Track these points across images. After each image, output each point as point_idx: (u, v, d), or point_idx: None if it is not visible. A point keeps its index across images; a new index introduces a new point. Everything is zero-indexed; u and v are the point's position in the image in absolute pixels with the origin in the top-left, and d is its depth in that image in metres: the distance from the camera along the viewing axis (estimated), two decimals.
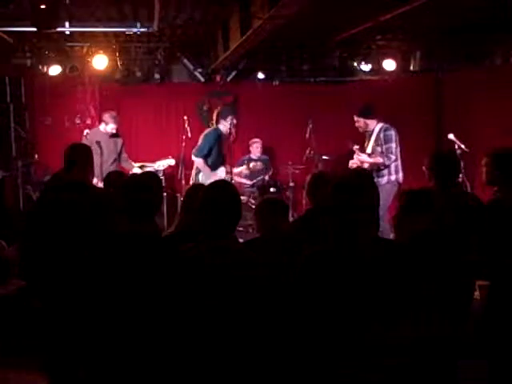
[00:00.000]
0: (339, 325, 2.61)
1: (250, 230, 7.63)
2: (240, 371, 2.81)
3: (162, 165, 8.45)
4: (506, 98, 8.54)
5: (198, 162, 8.10)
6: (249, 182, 8.99)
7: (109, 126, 7.92)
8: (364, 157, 7.27)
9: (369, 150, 7.34)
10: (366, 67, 9.52)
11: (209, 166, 8.11)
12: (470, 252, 3.80)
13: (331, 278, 2.64)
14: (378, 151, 7.22)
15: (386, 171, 7.21)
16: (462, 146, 7.92)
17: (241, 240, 5.07)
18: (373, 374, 2.59)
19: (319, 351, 2.65)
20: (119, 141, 8.08)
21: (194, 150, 8.23)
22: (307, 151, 9.15)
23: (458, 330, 3.61)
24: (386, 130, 7.30)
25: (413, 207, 3.57)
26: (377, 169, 7.22)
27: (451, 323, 3.03)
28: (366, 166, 7.24)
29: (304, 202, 4.36)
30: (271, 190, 8.79)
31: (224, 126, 8.22)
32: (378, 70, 9.59)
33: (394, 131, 7.31)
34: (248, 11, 6.12)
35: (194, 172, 8.33)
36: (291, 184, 9.10)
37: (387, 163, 7.18)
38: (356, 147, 7.54)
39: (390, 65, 9.33)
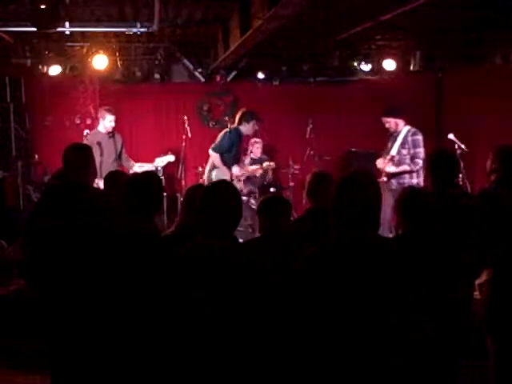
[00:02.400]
0: (340, 324, 2.61)
1: (250, 230, 7.63)
2: (239, 372, 2.81)
3: (161, 161, 8.33)
4: (506, 98, 8.55)
5: (215, 156, 7.92)
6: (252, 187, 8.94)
7: (107, 120, 7.63)
8: (392, 169, 7.13)
9: (393, 152, 7.23)
10: (366, 67, 9.53)
11: (224, 161, 8.02)
12: (469, 252, 3.81)
13: (332, 276, 2.64)
14: (403, 154, 7.13)
15: (408, 174, 7.11)
16: (462, 146, 7.92)
17: (241, 240, 5.08)
18: (373, 374, 2.59)
19: (320, 351, 2.65)
20: (119, 140, 7.95)
21: (213, 145, 8.03)
22: (307, 151, 9.16)
23: (457, 330, 3.62)
24: (414, 135, 7.19)
25: (411, 207, 3.57)
26: (399, 172, 7.15)
27: (451, 323, 3.04)
28: (387, 169, 7.18)
29: (304, 201, 4.34)
30: (271, 189, 8.79)
31: (246, 129, 8.06)
32: (378, 69, 9.60)
33: (422, 136, 7.24)
34: (248, 11, 6.12)
35: (207, 168, 8.13)
36: (291, 184, 9.11)
37: (414, 169, 7.09)
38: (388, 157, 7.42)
39: (390, 65, 9.34)
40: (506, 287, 3.84)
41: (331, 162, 9.35)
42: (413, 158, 7.11)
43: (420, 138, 7.16)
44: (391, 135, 7.39)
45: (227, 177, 7.62)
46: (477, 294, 4.25)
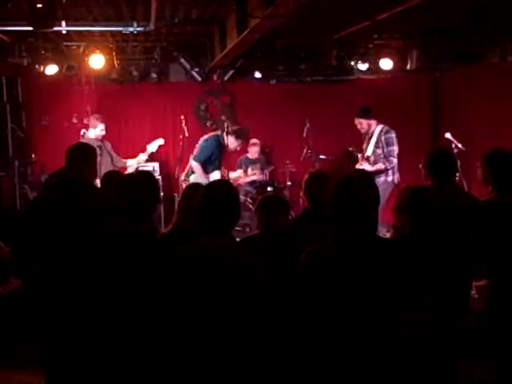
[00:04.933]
0: (338, 324, 2.61)
1: (248, 230, 7.64)
2: (237, 372, 2.81)
3: (152, 147, 8.30)
4: (502, 96, 8.55)
5: (196, 166, 8.02)
6: (247, 183, 9.02)
7: (98, 128, 7.83)
8: (365, 166, 7.20)
9: (368, 152, 7.28)
10: (362, 66, 9.53)
11: (204, 169, 8.09)
12: (467, 251, 3.81)
13: (330, 277, 2.64)
14: (378, 153, 7.19)
15: (384, 173, 7.18)
16: (459, 145, 7.92)
17: (238, 239, 5.08)
18: (372, 373, 2.60)
19: (319, 350, 2.65)
20: (108, 145, 8.05)
21: (193, 155, 8.11)
22: (304, 150, 9.16)
23: (455, 329, 3.62)
24: (386, 133, 7.25)
25: (411, 206, 3.56)
26: (375, 171, 7.19)
27: (449, 322, 3.03)
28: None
29: (301, 201, 4.35)
30: (268, 189, 8.81)
31: (230, 142, 8.01)
32: (374, 69, 9.60)
33: (395, 133, 7.28)
34: (245, 10, 6.12)
35: (186, 171, 8.20)
36: (288, 183, 9.12)
37: (389, 167, 7.16)
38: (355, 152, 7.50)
39: (386, 64, 9.34)
40: (504, 299, 3.86)
41: (328, 161, 9.35)
42: (386, 156, 7.16)
43: (393, 135, 7.24)
44: (365, 136, 7.46)
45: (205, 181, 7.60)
46: (473, 293, 4.27)
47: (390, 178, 7.18)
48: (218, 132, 8.16)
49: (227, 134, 7.97)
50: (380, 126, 7.36)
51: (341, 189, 2.77)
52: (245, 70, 9.88)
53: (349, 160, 9.87)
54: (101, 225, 3.58)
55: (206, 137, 8.22)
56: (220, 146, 8.07)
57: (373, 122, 7.40)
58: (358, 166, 7.30)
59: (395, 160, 7.20)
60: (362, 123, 7.45)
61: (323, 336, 2.64)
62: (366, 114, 7.45)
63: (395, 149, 7.20)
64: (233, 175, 8.82)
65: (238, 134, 8.04)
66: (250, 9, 5.92)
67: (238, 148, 8.27)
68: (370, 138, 7.39)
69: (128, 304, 3.14)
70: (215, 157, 8.07)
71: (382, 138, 7.24)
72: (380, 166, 7.16)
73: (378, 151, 7.21)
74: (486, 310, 4.07)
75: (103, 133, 7.93)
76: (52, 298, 4.01)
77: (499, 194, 4.06)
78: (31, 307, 4.32)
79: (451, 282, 3.34)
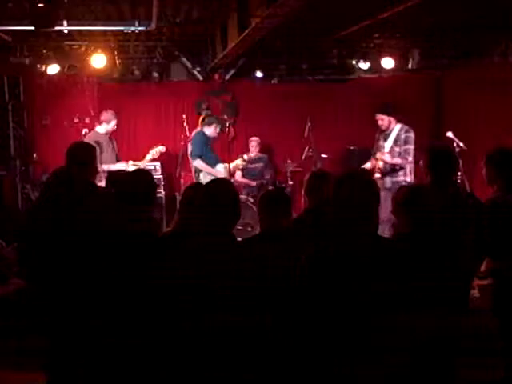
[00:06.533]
0: (340, 322, 2.62)
1: (249, 229, 7.63)
2: (240, 370, 2.81)
3: (152, 153, 8.31)
4: (504, 95, 8.55)
5: (197, 162, 8.09)
6: (250, 182, 9.04)
7: (111, 124, 7.76)
8: (387, 157, 7.24)
9: (386, 149, 7.31)
10: (364, 65, 9.53)
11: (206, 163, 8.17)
12: (467, 251, 3.81)
13: (332, 276, 2.64)
14: (396, 151, 7.22)
15: (402, 172, 7.20)
16: (461, 144, 7.92)
17: (239, 239, 5.06)
18: (373, 372, 2.60)
19: (320, 349, 2.66)
20: (115, 143, 8.03)
21: (189, 157, 8.25)
22: (306, 149, 9.16)
23: (455, 328, 3.62)
24: (406, 132, 7.30)
25: (410, 204, 3.56)
26: (391, 169, 7.22)
27: (449, 321, 3.03)
28: (380, 164, 7.25)
29: (302, 200, 4.33)
30: (269, 188, 8.81)
31: (209, 131, 8.26)
32: (376, 68, 9.61)
33: (414, 134, 7.32)
34: (246, 9, 6.13)
35: (193, 174, 8.33)
36: (290, 182, 9.12)
37: (404, 164, 7.20)
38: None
39: (388, 63, 9.34)
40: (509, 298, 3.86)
41: (330, 160, 9.35)
42: (402, 154, 7.20)
43: (412, 135, 7.27)
44: (381, 133, 7.47)
45: (212, 176, 7.66)
46: (475, 292, 4.26)
47: (408, 179, 7.21)
48: (200, 130, 8.34)
49: (206, 125, 8.27)
50: (400, 125, 7.40)
51: (341, 188, 2.78)
52: (246, 69, 9.89)
53: (350, 158, 9.91)
54: (100, 224, 3.59)
55: (192, 134, 8.44)
56: (208, 140, 8.24)
57: (393, 119, 7.43)
58: (379, 157, 7.31)
59: (410, 158, 7.22)
60: (383, 119, 7.46)
61: (324, 334, 2.64)
62: (388, 111, 7.48)
63: (412, 148, 7.23)
64: (233, 164, 8.82)
65: (206, 123, 8.34)
66: (251, 8, 5.92)
67: (218, 130, 8.42)
68: (387, 135, 7.41)
69: (127, 304, 3.14)
70: (207, 152, 8.17)
71: (402, 137, 7.28)
72: (398, 160, 7.20)
73: (397, 149, 7.24)
74: (491, 310, 4.07)
75: (115, 128, 7.80)
76: (54, 298, 4.02)
77: (504, 193, 4.06)
78: (32, 307, 4.33)
79: (451, 282, 3.34)
